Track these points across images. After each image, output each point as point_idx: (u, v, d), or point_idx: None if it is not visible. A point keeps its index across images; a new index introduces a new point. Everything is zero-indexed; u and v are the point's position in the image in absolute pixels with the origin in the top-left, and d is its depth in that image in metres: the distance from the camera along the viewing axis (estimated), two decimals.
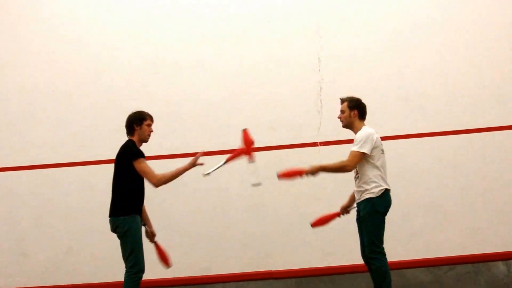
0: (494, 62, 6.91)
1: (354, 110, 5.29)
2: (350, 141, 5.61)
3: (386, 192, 5.16)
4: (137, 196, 5.18)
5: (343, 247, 6.62)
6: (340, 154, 6.46)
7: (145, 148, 6.15)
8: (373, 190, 5.11)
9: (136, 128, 5.26)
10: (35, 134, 6.94)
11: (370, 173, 5.12)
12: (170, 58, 7.00)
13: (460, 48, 6.93)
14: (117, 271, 6.39)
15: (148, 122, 5.29)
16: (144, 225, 5.40)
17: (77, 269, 6.80)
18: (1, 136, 6.94)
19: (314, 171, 5.13)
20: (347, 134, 6.29)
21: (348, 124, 5.35)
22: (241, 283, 6.71)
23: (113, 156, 6.37)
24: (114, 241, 6.52)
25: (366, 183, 5.14)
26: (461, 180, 6.73)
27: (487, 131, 6.77)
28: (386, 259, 5.12)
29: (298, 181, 6.58)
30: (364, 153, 5.08)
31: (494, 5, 7.02)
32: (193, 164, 5.13)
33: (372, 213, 5.11)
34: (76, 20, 7.14)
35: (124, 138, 5.88)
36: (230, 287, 6.73)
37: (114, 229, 5.19)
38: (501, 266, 6.60)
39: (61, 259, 6.78)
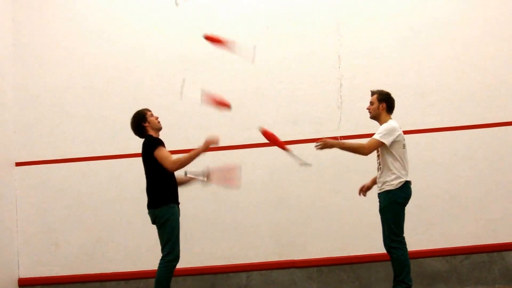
0: (509, 58, 6.99)
1: (383, 103, 5.53)
2: (369, 135, 5.78)
3: (406, 184, 5.38)
4: (170, 186, 5.36)
5: (363, 237, 6.81)
6: None
7: (174, 144, 6.37)
8: (392, 182, 5.35)
9: (145, 125, 5.48)
10: (66, 129, 7.11)
11: (391, 165, 5.35)
12: (197, 56, 7.09)
13: (475, 45, 7.02)
14: (144, 261, 6.89)
15: (149, 113, 5.53)
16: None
17: (106, 259, 7.00)
18: (35, 130, 7.11)
19: (331, 144, 5.41)
20: (366, 128, 6.55)
21: (375, 116, 5.59)
22: (264, 272, 6.88)
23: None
24: (141, 231, 6.86)
25: (386, 175, 5.38)
26: (476, 173, 6.85)
27: (501, 125, 6.89)
28: (406, 248, 5.38)
29: (319, 173, 6.90)
30: (383, 143, 5.32)
31: (510, 2, 7.10)
32: (207, 147, 5.24)
33: (392, 204, 5.35)
34: (106, 19, 7.28)
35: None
36: (254, 276, 6.90)
37: (153, 220, 5.36)
38: None
39: (90, 249, 6.99)
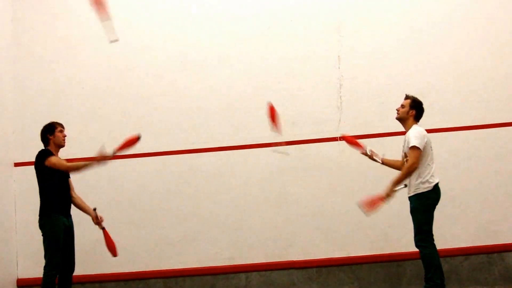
0: (509, 59, 7.11)
1: (413, 110, 5.75)
2: (368, 136, 5.98)
3: (436, 186, 5.62)
4: (57, 198, 5.82)
5: (362, 237, 6.94)
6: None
7: (173, 144, 6.61)
8: (422, 186, 5.59)
9: (50, 137, 5.95)
10: (65, 129, 6.88)
11: (420, 169, 5.58)
12: (197, 56, 7.23)
13: (476, 46, 7.15)
14: (144, 261, 7.06)
15: (59, 128, 5.98)
16: (94, 210, 6.01)
17: (106, 259, 6.80)
18: (34, 131, 6.78)
19: (391, 193, 5.61)
20: (366, 129, 6.73)
21: (402, 118, 5.80)
22: (263, 272, 7.01)
23: (142, 151, 6.85)
24: (140, 232, 6.96)
25: (416, 179, 5.60)
26: (476, 174, 6.98)
27: (502, 126, 7.02)
28: (433, 247, 5.62)
29: (319, 173, 7.05)
30: (420, 150, 5.53)
31: (510, 3, 7.20)
32: (101, 160, 5.64)
33: (422, 206, 5.60)
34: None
35: (159, 134, 6.27)
36: (253, 277, 7.03)
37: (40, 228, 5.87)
38: None
39: (89, 250, 6.97)
